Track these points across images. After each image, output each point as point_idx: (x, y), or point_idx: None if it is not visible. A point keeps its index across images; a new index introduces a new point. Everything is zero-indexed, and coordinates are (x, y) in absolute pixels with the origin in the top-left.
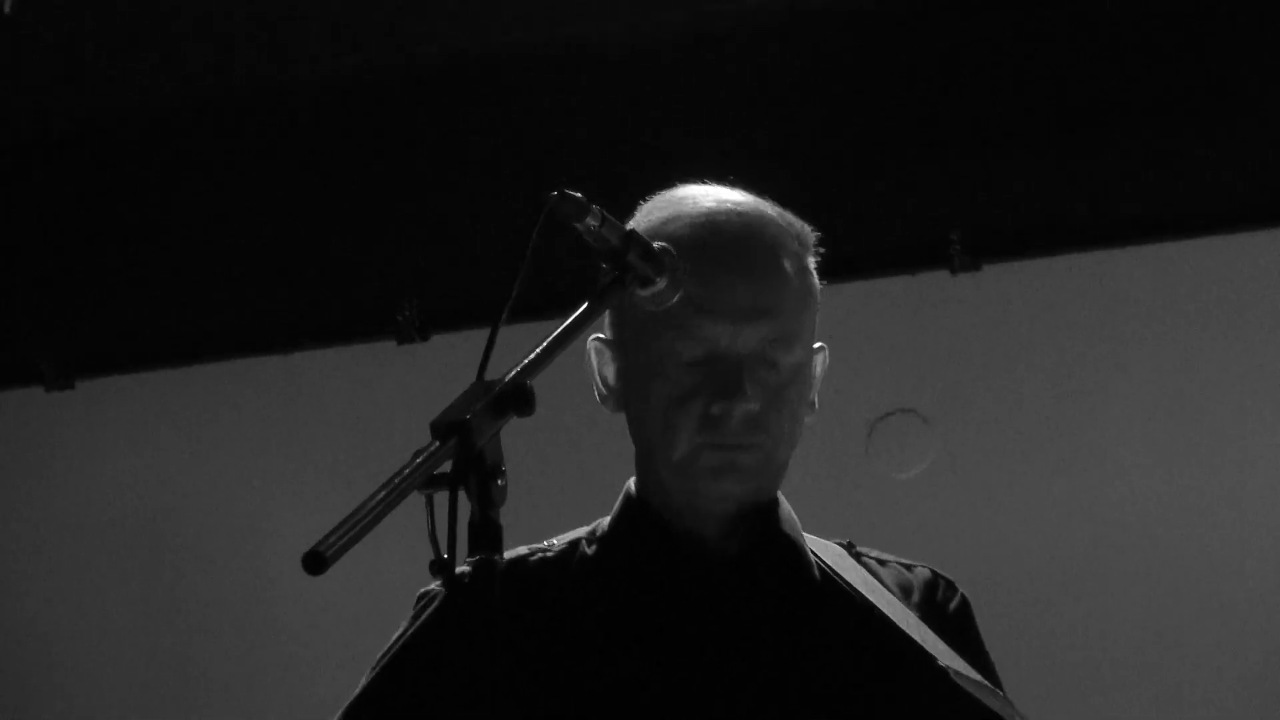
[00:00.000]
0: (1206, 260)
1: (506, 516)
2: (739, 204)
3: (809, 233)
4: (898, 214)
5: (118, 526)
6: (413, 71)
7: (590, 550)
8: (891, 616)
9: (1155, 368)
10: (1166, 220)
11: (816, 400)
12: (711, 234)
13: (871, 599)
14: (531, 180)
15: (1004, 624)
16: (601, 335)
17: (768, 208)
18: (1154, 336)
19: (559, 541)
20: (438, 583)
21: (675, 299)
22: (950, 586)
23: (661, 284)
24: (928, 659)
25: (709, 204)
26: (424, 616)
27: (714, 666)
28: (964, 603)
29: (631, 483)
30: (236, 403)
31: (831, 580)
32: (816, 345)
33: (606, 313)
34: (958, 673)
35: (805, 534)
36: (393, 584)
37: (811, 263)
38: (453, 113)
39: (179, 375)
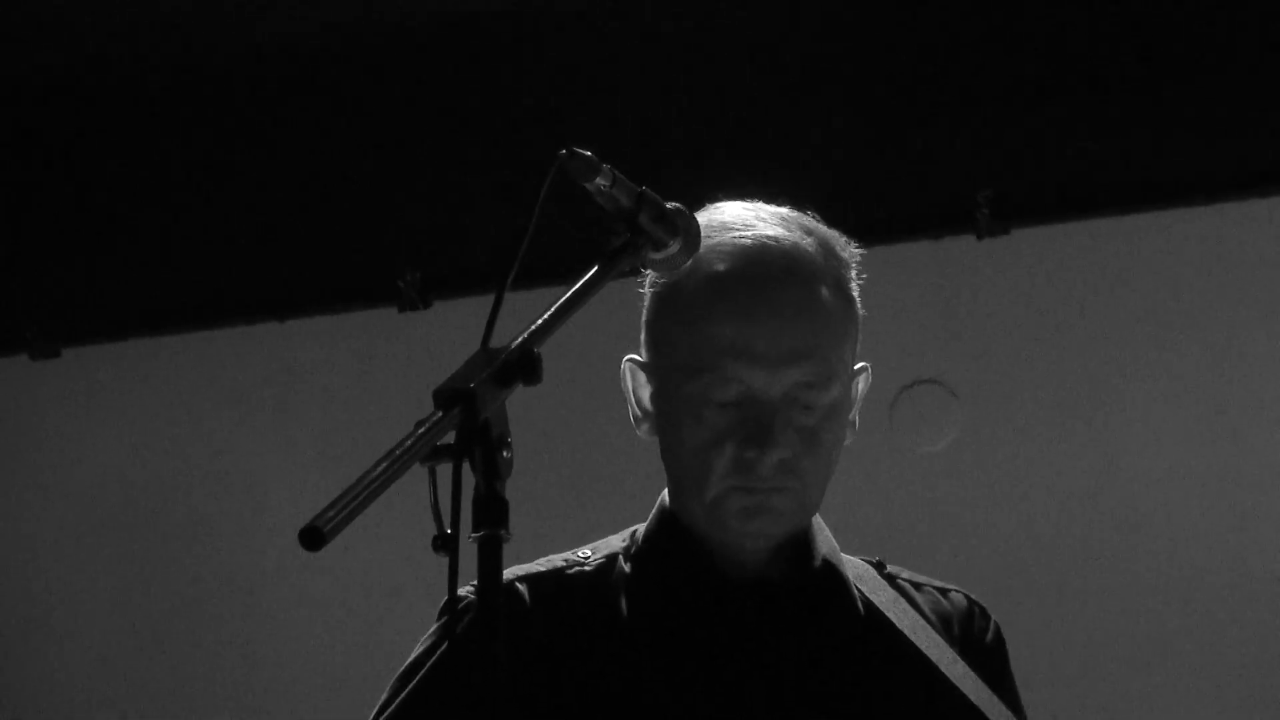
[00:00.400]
0: (1249, 225)
1: (523, 502)
2: (778, 239)
3: (851, 253)
4: (921, 175)
5: (105, 498)
6: (414, 27)
7: (628, 568)
8: (930, 655)
9: (1194, 337)
10: (1206, 183)
11: (858, 420)
12: (746, 273)
13: (913, 638)
14: (540, 141)
15: (1031, 607)
16: (636, 357)
17: (808, 236)
18: (1192, 304)
19: (595, 553)
20: (467, 588)
21: (688, 263)
22: (984, 615)
23: (675, 247)
24: (965, 703)
25: (746, 238)
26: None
27: (752, 695)
28: (998, 633)
29: (666, 495)
30: (231, 372)
31: (874, 614)
32: (858, 366)
33: (642, 335)
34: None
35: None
36: (393, 560)
37: (854, 287)
38: (457, 70)
39: (169, 343)
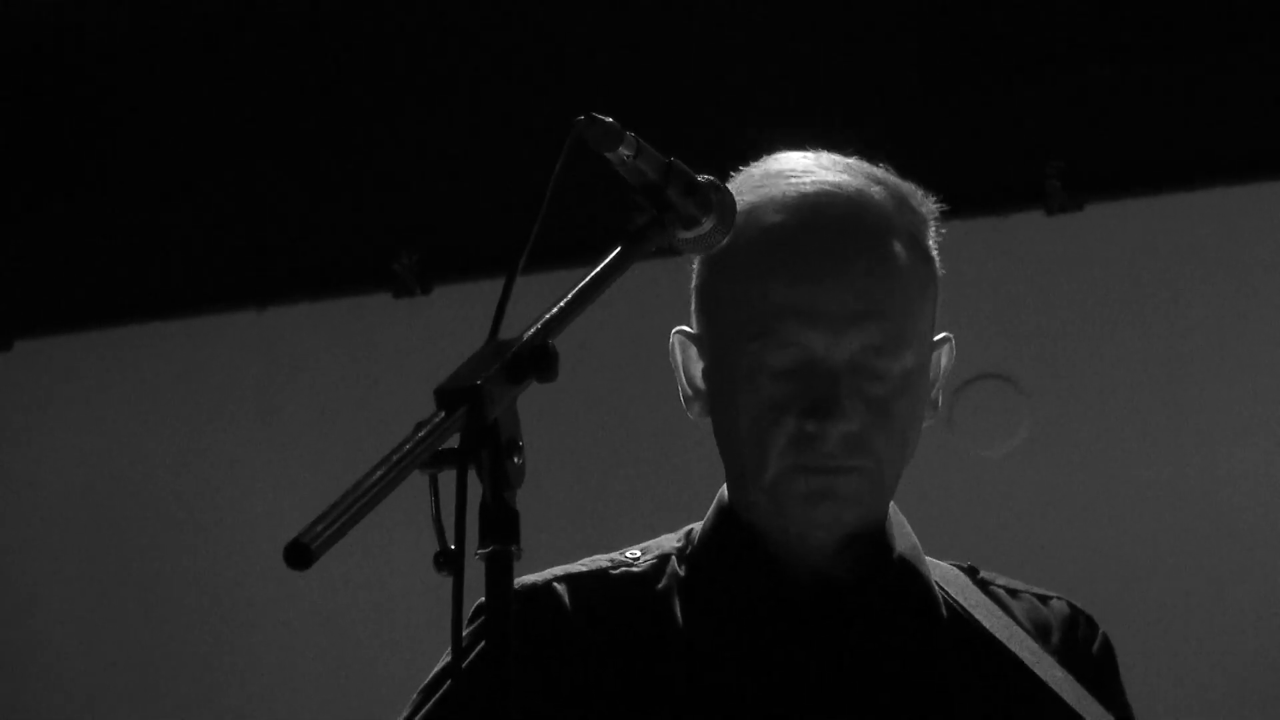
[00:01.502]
0: None
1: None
2: (841, 185)
3: (929, 207)
4: (984, 144)
5: (68, 502)
6: None
7: (682, 570)
8: (1026, 661)
9: None
10: None
11: (940, 398)
12: (806, 223)
13: (1008, 643)
14: (553, 105)
15: (1117, 631)
16: (686, 329)
17: (877, 184)
18: None
19: (645, 554)
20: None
21: (724, 241)
22: (1090, 624)
23: (708, 225)
24: (1066, 710)
25: (805, 185)
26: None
27: (822, 709)
28: (1106, 644)
29: (724, 491)
30: (206, 365)
31: (960, 617)
32: (939, 336)
33: (691, 303)
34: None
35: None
36: (390, 576)
37: (933, 244)
38: (456, 23)
39: (137, 333)
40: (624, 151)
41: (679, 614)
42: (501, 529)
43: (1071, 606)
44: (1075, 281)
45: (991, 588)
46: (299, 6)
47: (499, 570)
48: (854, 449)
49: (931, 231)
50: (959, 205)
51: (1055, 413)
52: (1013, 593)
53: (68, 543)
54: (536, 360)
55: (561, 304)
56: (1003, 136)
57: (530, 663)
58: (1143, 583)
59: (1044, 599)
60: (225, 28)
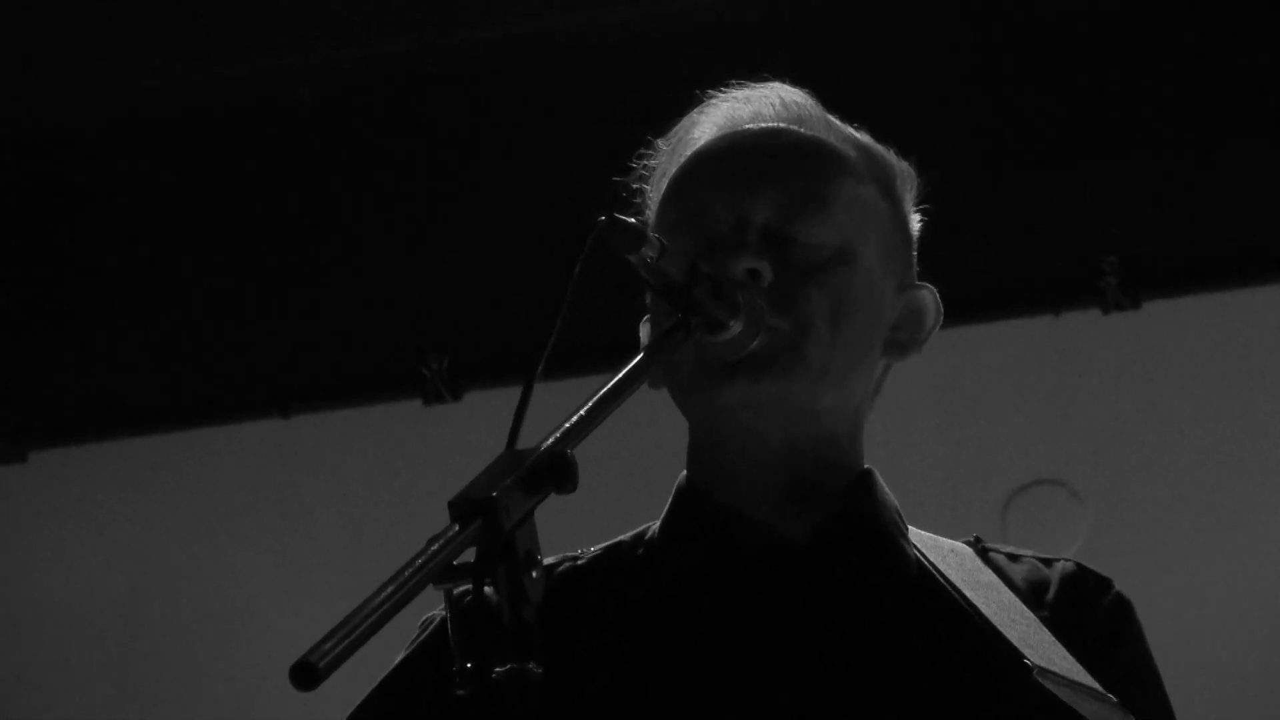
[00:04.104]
0: None
1: None
2: (784, 101)
3: (902, 167)
4: (1035, 238)
5: (84, 619)
6: (435, 72)
7: (638, 552)
8: (989, 614)
9: None
10: None
11: (921, 343)
12: (732, 138)
13: (971, 594)
14: (589, 207)
15: None
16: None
17: (831, 132)
18: None
19: (595, 549)
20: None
21: (754, 345)
22: (1103, 583)
23: (736, 328)
24: (1020, 661)
25: (741, 110)
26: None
27: (776, 674)
28: (1120, 602)
29: (683, 476)
30: (228, 477)
31: (929, 575)
32: (917, 283)
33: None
34: (1049, 674)
35: (917, 529)
36: None
37: (908, 197)
38: (491, 121)
39: (154, 444)
40: (647, 253)
41: (626, 593)
42: (521, 648)
43: (1080, 566)
44: (1133, 383)
45: (991, 554)
46: (327, 107)
47: (517, 691)
48: (771, 302)
49: (899, 181)
50: (1010, 303)
51: (1113, 520)
52: (1014, 558)
53: (82, 659)
54: (554, 470)
55: (581, 412)
56: (1054, 229)
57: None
58: (1206, 702)
59: (1048, 561)
60: (250, 127)
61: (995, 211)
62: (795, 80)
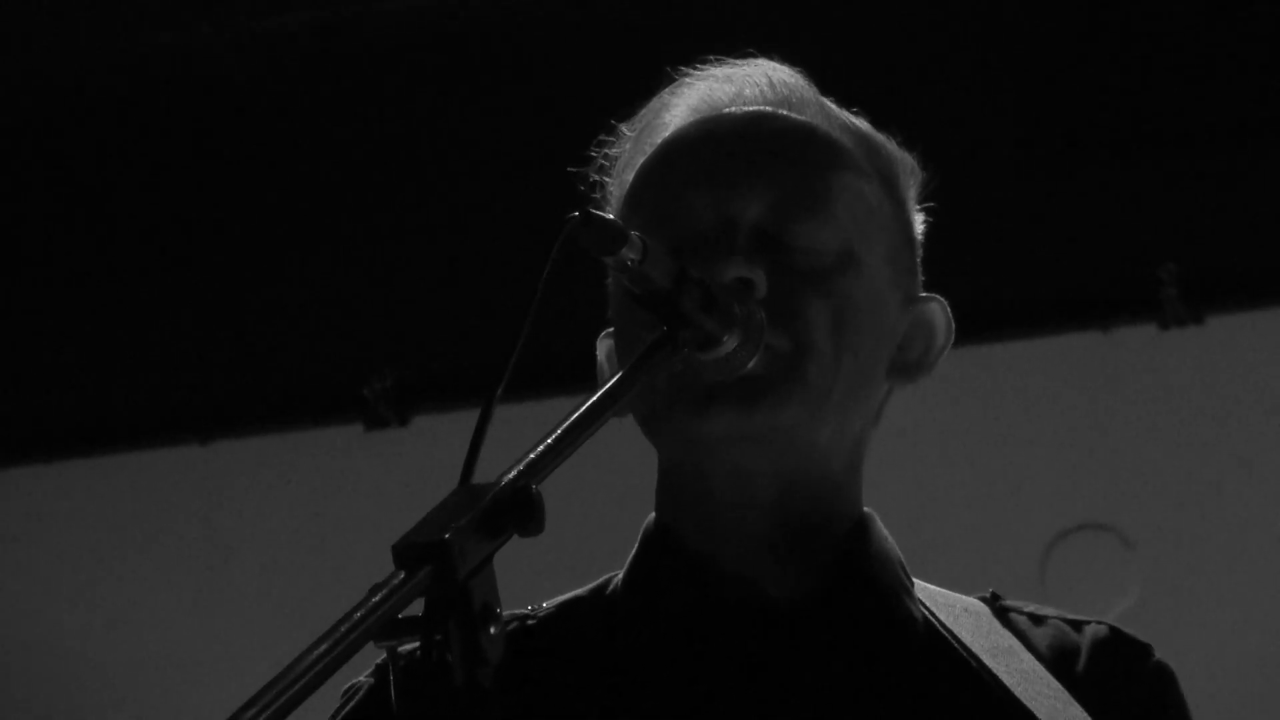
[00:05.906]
0: None
1: None
2: (774, 82)
3: (906, 160)
4: (1082, 243)
5: None
6: (376, 53)
7: (599, 610)
8: (1010, 684)
9: None
10: None
11: (931, 365)
12: (711, 122)
13: (990, 661)
14: (555, 203)
15: None
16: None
17: (827, 119)
18: None
19: (548, 605)
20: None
21: (752, 363)
22: (1141, 651)
23: (731, 344)
24: None
25: (720, 92)
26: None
27: None
28: (1160, 672)
29: (651, 518)
30: (142, 508)
31: (940, 638)
32: (923, 295)
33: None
34: None
35: (925, 584)
36: None
37: (911, 195)
38: (441, 107)
39: (60, 471)
40: (628, 254)
41: (586, 664)
42: (474, 716)
43: (1115, 630)
44: (1195, 410)
45: (1011, 614)
46: (259, 115)
47: None
48: (769, 316)
49: (903, 175)
50: (1055, 317)
51: (1168, 569)
52: (1037, 619)
53: None
54: (517, 509)
55: (549, 440)
56: (1106, 237)
57: None
58: None
59: (1078, 625)
60: (182, 138)
61: (1035, 212)
62: (786, 57)
